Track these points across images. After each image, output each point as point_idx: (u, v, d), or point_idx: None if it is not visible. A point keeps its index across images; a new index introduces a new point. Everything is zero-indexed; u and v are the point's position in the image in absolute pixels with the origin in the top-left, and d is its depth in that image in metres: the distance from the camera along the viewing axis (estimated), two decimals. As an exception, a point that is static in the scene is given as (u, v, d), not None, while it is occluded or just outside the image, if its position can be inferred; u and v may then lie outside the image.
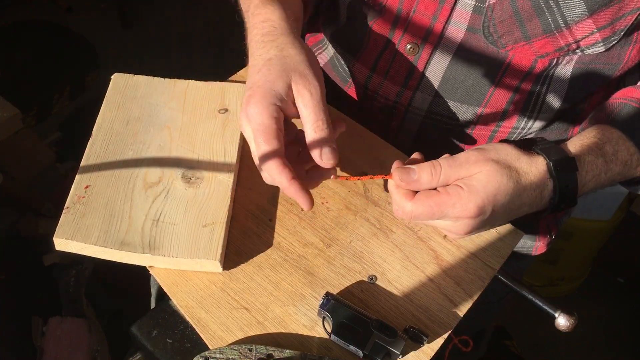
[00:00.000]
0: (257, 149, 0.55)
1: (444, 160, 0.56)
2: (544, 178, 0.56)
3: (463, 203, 0.54)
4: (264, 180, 0.57)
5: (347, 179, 0.61)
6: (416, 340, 0.55)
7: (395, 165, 0.58)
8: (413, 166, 0.56)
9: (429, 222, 0.59)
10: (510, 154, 0.56)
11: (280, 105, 0.56)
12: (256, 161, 0.57)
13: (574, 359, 1.78)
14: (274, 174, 0.55)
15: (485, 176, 0.54)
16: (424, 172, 0.55)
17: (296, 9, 0.68)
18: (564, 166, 0.56)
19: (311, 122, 0.56)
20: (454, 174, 0.55)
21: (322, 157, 0.56)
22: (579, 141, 0.60)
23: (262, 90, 0.56)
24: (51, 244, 0.59)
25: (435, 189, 0.56)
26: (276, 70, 0.56)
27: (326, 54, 0.84)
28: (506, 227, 0.64)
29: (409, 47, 0.68)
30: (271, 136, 0.55)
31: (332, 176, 0.59)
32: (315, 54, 0.62)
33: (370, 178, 0.61)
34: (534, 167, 0.56)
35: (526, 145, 0.59)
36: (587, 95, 0.70)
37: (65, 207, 0.61)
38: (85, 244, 0.58)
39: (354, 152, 0.70)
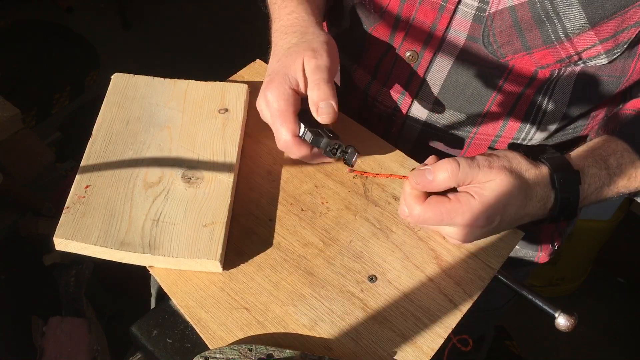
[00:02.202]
0: (276, 130, 0.62)
1: (463, 159, 0.55)
2: (548, 190, 0.56)
3: (473, 212, 0.54)
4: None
5: (363, 174, 0.62)
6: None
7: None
8: (429, 166, 0.55)
9: (433, 227, 0.60)
10: (521, 163, 0.56)
11: (295, 89, 0.61)
12: (277, 142, 0.63)
13: (573, 359, 1.78)
14: (292, 151, 0.62)
15: (498, 186, 0.54)
16: (441, 171, 0.54)
17: (319, 3, 0.72)
18: (567, 179, 0.56)
19: (310, 82, 0.61)
20: (472, 175, 0.54)
21: (319, 112, 0.60)
22: (583, 152, 0.59)
23: (279, 77, 0.61)
24: (51, 244, 0.59)
25: (446, 194, 0.56)
26: (293, 56, 0.61)
27: None
28: (506, 227, 0.64)
29: (408, 54, 0.68)
30: (287, 120, 0.61)
31: (347, 169, 0.60)
32: (335, 43, 0.65)
33: (388, 177, 0.60)
34: (541, 179, 0.56)
35: (533, 153, 0.59)
36: (590, 108, 0.69)
37: (65, 207, 0.61)
38: (85, 244, 0.58)
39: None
